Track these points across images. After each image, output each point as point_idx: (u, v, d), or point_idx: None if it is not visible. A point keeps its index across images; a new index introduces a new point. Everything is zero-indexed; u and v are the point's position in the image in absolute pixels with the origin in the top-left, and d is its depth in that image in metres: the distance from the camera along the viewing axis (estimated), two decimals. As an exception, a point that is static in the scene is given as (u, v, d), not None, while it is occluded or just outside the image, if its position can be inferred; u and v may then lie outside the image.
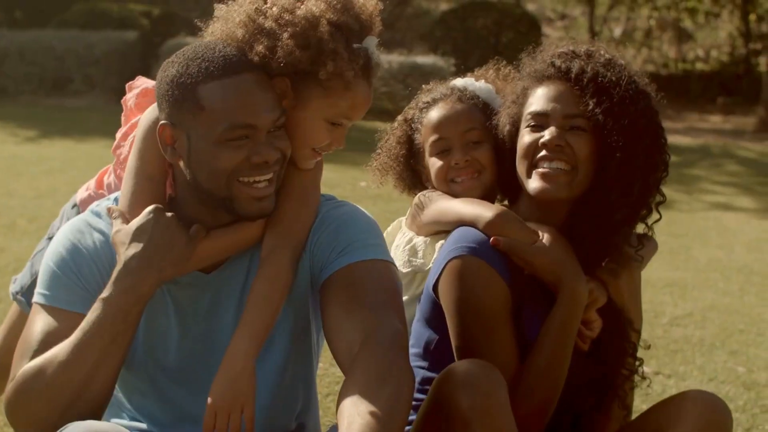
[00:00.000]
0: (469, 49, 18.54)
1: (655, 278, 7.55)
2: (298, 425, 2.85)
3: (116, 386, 2.64)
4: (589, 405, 2.89)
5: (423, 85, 3.32)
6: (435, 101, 3.19)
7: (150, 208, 2.58)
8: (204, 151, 2.54)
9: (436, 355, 2.88)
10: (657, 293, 7.17)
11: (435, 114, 3.16)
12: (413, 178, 3.27)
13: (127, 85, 2.97)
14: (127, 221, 2.59)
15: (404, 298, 3.19)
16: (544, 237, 2.78)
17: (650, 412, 2.84)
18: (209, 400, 2.51)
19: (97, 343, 2.50)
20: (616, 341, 2.89)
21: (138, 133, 2.71)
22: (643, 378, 3.00)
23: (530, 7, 25.82)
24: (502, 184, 3.05)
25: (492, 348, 2.73)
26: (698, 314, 6.69)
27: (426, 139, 3.16)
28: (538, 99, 2.84)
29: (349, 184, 9.87)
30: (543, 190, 2.77)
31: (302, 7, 2.58)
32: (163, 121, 2.58)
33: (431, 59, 17.23)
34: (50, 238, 3.16)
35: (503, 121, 2.96)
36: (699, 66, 24.18)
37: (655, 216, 2.88)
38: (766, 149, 16.15)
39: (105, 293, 2.52)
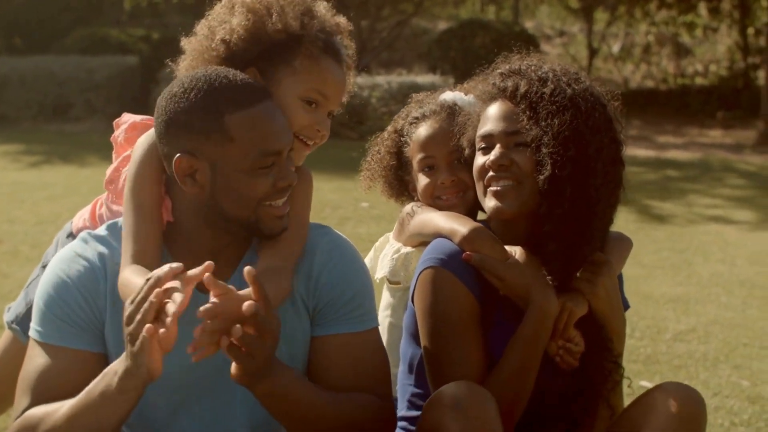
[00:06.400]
0: (468, 68, 18.48)
1: (658, 294, 7.56)
2: None
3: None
4: (577, 413, 2.92)
5: (413, 94, 3.37)
6: (424, 117, 3.24)
7: None
8: (234, 180, 2.59)
9: (421, 369, 2.91)
10: (659, 309, 7.17)
11: (423, 132, 3.21)
12: (400, 186, 3.35)
13: (114, 123, 3.02)
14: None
15: (390, 320, 3.24)
16: (516, 254, 2.83)
17: (628, 408, 2.88)
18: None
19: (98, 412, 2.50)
20: (597, 350, 2.92)
21: (134, 162, 2.72)
22: (622, 379, 3.00)
23: (528, 24, 25.86)
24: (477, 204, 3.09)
25: (457, 357, 2.78)
26: (701, 329, 6.70)
27: (414, 156, 3.23)
28: (485, 120, 2.90)
29: (351, 205, 9.82)
30: (495, 208, 2.84)
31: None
32: (178, 154, 2.59)
33: (430, 78, 17.26)
34: (44, 267, 3.17)
35: (463, 146, 3.02)
36: (698, 80, 24.17)
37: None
38: (767, 162, 16.16)
39: (113, 367, 2.47)
